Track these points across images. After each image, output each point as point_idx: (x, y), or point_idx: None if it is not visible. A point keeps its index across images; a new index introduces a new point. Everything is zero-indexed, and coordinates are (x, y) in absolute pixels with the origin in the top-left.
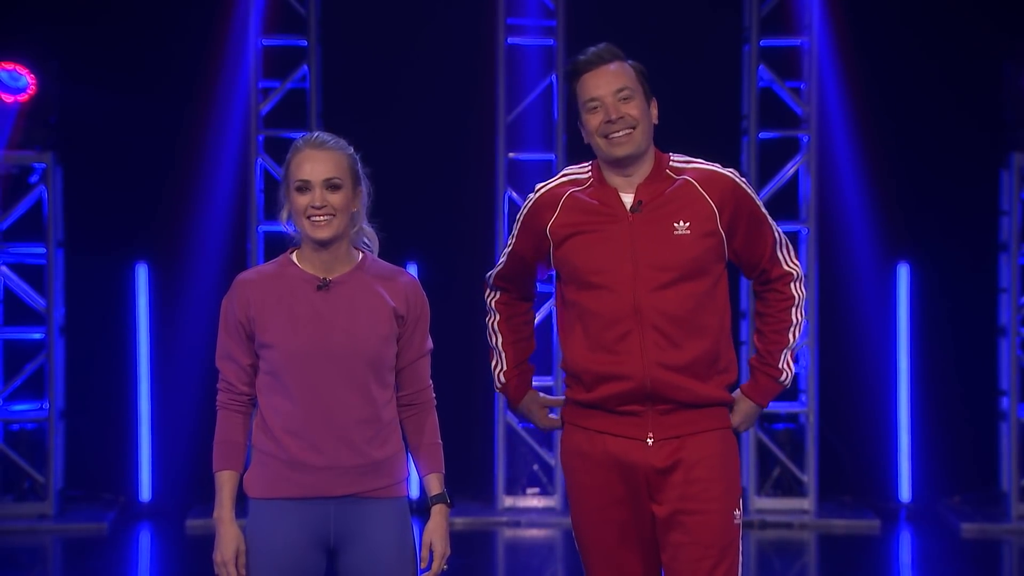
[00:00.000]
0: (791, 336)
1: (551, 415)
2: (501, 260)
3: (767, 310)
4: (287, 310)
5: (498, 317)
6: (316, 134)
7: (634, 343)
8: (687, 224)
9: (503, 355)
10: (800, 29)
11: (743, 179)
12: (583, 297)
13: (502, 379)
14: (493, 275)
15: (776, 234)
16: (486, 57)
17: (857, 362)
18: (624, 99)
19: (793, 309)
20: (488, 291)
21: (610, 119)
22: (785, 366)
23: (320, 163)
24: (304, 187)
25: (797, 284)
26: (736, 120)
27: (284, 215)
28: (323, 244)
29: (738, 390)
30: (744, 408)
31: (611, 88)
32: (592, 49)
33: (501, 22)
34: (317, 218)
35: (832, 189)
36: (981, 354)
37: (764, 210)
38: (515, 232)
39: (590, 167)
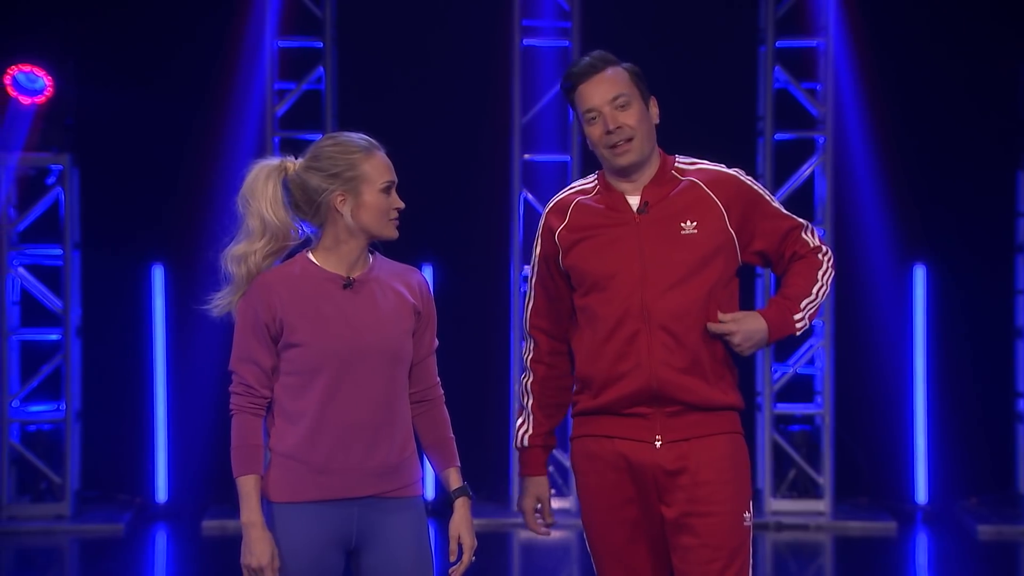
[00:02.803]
0: (815, 292)
1: (538, 518)
2: (529, 295)
3: (791, 269)
4: (315, 310)
5: (532, 377)
6: (361, 135)
7: (642, 344)
8: (694, 224)
9: (532, 417)
10: (816, 30)
11: (749, 177)
12: (591, 300)
13: (526, 442)
14: (527, 319)
15: (797, 220)
16: (501, 59)
17: (873, 364)
18: (621, 107)
19: (819, 271)
20: (526, 344)
21: (609, 130)
22: (806, 310)
23: (391, 164)
24: (389, 188)
25: (826, 256)
26: (752, 121)
27: (348, 211)
28: (376, 244)
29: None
30: (750, 321)
31: (606, 97)
32: (584, 59)
33: (516, 24)
34: (396, 219)
35: (848, 190)
36: (998, 356)
37: (776, 204)
38: (536, 252)
39: (596, 177)
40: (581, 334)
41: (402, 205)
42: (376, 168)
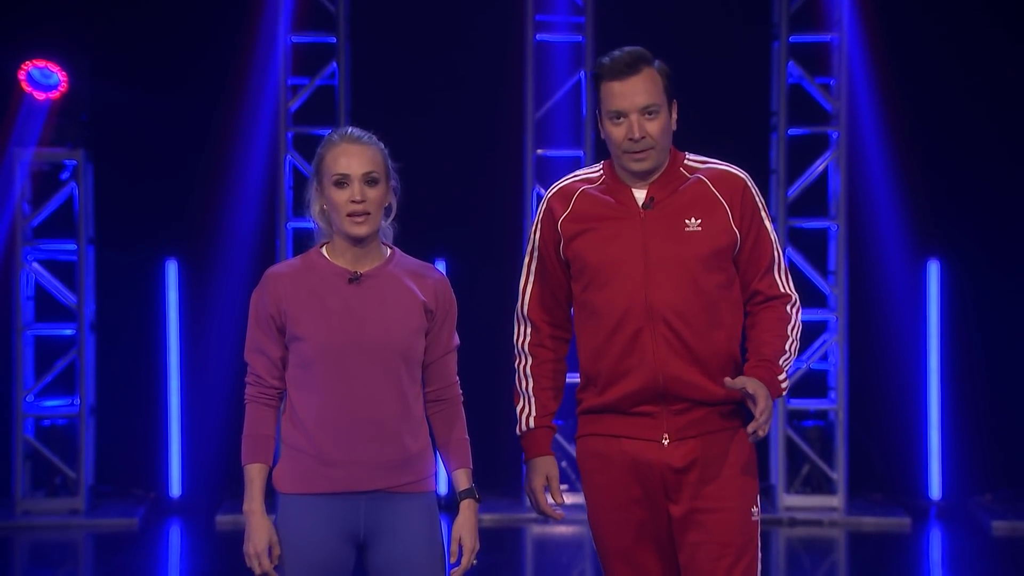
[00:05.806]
0: (788, 349)
1: (550, 502)
2: (525, 279)
3: (760, 320)
4: (319, 303)
5: (530, 361)
6: (348, 129)
7: (646, 341)
8: (698, 221)
9: (533, 399)
10: (830, 25)
11: (755, 186)
12: (594, 295)
13: (530, 424)
14: (523, 305)
15: (775, 254)
16: (515, 54)
17: (887, 359)
18: (649, 116)
19: (788, 326)
20: (519, 328)
21: (633, 138)
22: (785, 368)
23: (357, 157)
24: (343, 181)
25: (794, 308)
26: (765, 116)
27: (316, 209)
28: (359, 240)
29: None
30: (763, 389)
31: (637, 104)
32: (618, 54)
33: (530, 19)
34: (356, 215)
35: (862, 185)
36: (1012, 351)
37: (768, 224)
38: (535, 237)
39: (601, 167)
40: (583, 328)
41: (359, 197)
42: (330, 159)
